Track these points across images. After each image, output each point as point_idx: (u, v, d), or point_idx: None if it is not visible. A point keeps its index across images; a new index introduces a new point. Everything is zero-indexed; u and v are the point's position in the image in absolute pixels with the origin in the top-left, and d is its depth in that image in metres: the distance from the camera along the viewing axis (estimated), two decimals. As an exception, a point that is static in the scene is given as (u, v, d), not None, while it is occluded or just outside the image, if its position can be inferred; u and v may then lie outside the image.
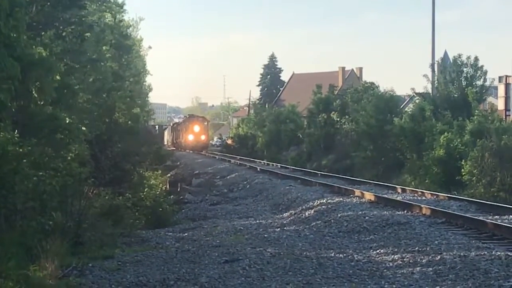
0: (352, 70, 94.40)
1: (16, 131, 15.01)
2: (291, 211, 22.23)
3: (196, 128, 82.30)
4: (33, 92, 15.91)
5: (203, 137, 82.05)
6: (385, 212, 19.21)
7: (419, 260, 12.73)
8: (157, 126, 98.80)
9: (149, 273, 12.44)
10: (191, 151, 76.04)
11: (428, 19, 50.10)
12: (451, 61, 44.12)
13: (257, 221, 20.56)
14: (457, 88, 41.31)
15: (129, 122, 32.08)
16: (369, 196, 22.94)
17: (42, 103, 16.85)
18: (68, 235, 13.71)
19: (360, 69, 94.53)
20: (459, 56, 41.83)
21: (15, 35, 13.18)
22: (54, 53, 18.42)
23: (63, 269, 11.94)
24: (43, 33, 19.75)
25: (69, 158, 17.28)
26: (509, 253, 12.65)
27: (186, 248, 15.10)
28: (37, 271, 11.09)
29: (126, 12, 51.26)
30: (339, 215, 19.37)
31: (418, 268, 12.11)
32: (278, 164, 48.12)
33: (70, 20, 21.30)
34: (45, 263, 11.27)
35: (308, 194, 25.24)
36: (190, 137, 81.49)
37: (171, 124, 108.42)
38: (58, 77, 17.09)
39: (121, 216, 19.05)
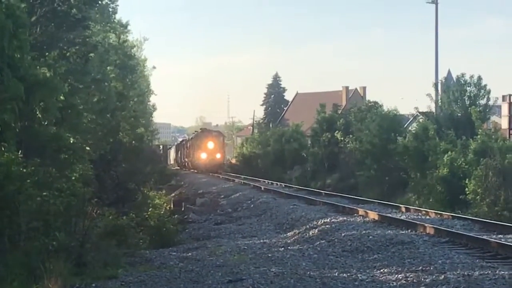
0: (356, 89, 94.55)
1: (20, 151, 15.06)
2: (295, 231, 22.18)
3: (210, 144, 69.86)
4: (37, 112, 15.98)
5: (218, 155, 70.12)
6: (389, 231, 19.17)
7: (423, 279, 12.70)
8: (161, 146, 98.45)
9: (153, 293, 12.42)
10: (194, 171, 72.31)
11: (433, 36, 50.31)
12: (455, 80, 44.22)
13: (261, 241, 20.52)
14: (461, 107, 41.40)
15: (133, 141, 32.23)
16: (373, 215, 22.89)
17: (46, 123, 16.93)
18: (72, 255, 13.69)
19: (364, 88, 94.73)
20: (462, 75, 42.00)
21: (19, 55, 13.28)
22: (58, 74, 18.55)
23: (66, 289, 11.91)
24: (47, 53, 19.90)
25: (73, 178, 17.31)
26: (513, 272, 12.62)
27: (189, 268, 15.08)
28: (40, 292, 11.08)
29: (130, 33, 51.82)
30: (342, 234, 19.34)
31: (422, 288, 12.07)
32: (282, 184, 48.07)
33: (74, 40, 21.47)
34: (48, 283, 11.26)
35: (312, 213, 25.19)
36: (203, 156, 69.50)
37: (179, 141, 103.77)
38: (62, 97, 17.20)
39: (125, 236, 19.02)
